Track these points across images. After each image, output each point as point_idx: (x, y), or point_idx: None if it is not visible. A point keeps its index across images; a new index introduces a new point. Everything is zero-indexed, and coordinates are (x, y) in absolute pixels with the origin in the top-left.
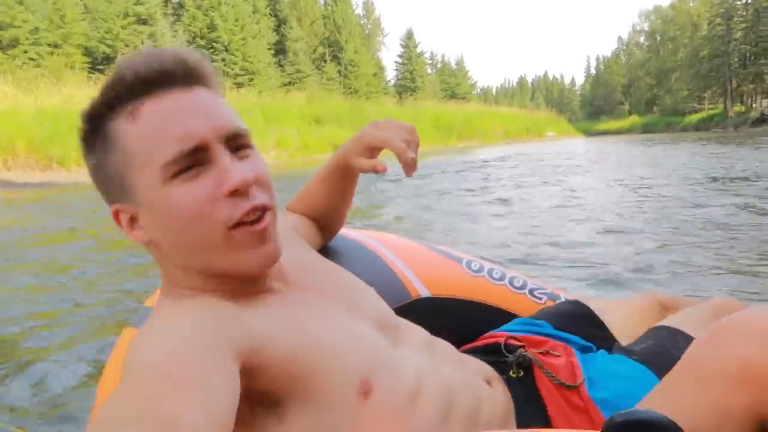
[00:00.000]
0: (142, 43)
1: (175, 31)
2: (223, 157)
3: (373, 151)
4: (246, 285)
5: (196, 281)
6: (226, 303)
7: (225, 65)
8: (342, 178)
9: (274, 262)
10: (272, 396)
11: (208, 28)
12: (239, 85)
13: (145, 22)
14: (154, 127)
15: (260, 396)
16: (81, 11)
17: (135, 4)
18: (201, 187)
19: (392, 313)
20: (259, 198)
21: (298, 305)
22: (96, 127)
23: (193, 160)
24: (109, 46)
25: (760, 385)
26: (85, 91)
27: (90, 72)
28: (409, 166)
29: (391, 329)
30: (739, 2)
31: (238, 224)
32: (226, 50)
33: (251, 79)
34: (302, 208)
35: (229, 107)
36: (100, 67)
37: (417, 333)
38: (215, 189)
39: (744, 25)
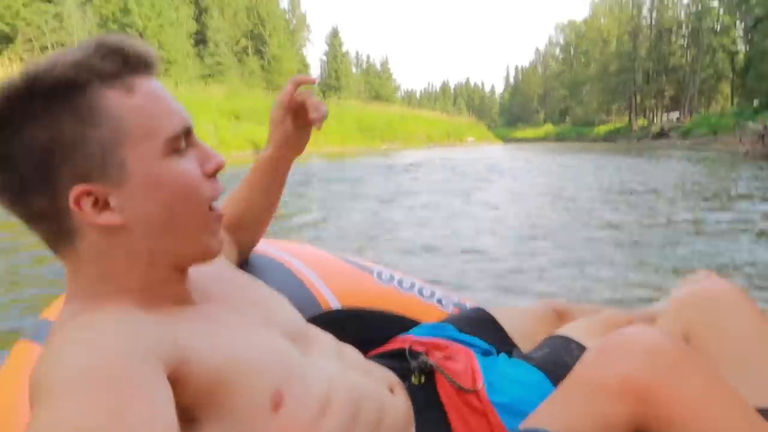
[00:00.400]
0: (47, 22)
1: (84, 12)
2: (201, 141)
3: (289, 105)
4: (177, 283)
5: (136, 273)
6: (149, 313)
7: None
8: (264, 175)
9: (219, 252)
10: (189, 412)
11: (121, 12)
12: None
13: (49, 1)
14: (153, 103)
15: (179, 412)
16: None
17: None
18: (192, 164)
19: (304, 322)
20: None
21: (214, 319)
22: (67, 98)
23: (185, 140)
24: (7, 23)
25: (638, 399)
26: None
27: None
28: (318, 108)
29: (302, 338)
30: (644, 22)
31: (211, 208)
32: (141, 37)
33: (167, 69)
34: None
35: None
36: (3, 47)
37: (327, 340)
38: (201, 168)
39: (648, 44)
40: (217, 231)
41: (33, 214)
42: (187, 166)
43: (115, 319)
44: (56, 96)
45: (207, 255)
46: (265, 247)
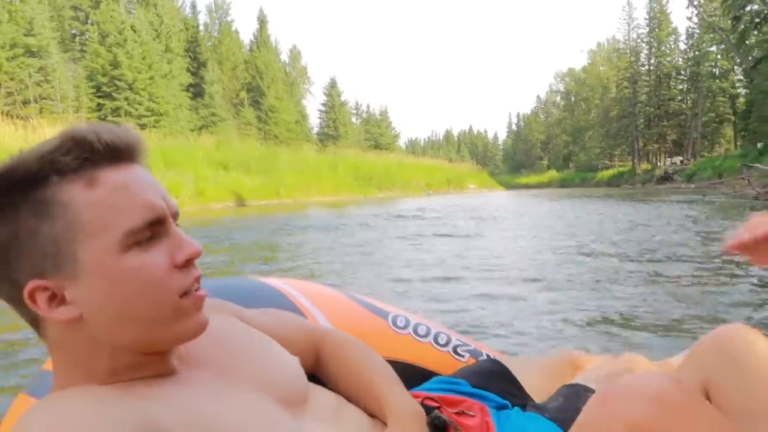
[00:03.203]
0: (30, 76)
1: (75, 65)
2: (176, 228)
3: None
4: (150, 364)
5: (105, 361)
6: (124, 391)
7: (128, 104)
8: (358, 401)
9: (203, 330)
10: None
11: (111, 65)
12: (142, 126)
13: (35, 55)
14: (115, 196)
15: None
16: None
17: (25, 34)
18: (157, 256)
19: (305, 383)
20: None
21: (196, 387)
22: (27, 193)
23: (151, 231)
24: None
25: None
26: None
27: None
28: None
29: (297, 402)
30: (643, 68)
31: (186, 292)
32: (130, 89)
33: (158, 121)
34: (329, 358)
35: None
36: None
37: (327, 403)
38: (170, 259)
39: (648, 89)
40: (193, 313)
41: (8, 300)
42: (150, 259)
43: (86, 400)
44: (17, 191)
45: (182, 339)
46: (279, 286)
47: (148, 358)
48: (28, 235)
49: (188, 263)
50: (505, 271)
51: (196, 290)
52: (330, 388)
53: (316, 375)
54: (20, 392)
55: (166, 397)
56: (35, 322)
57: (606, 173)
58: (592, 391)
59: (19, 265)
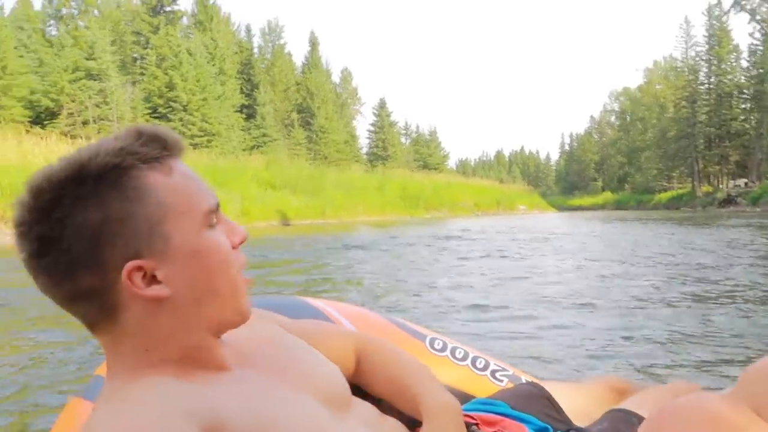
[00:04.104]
0: (90, 98)
1: (133, 86)
2: (226, 216)
3: None
4: (208, 353)
5: (174, 343)
6: (187, 380)
7: (182, 125)
8: (395, 403)
9: (250, 314)
10: None
11: (166, 87)
12: (195, 146)
13: (95, 78)
14: (189, 182)
15: None
16: (30, 63)
17: (87, 58)
18: (222, 237)
19: (347, 391)
20: None
21: (249, 384)
22: (115, 179)
23: (215, 215)
24: (53, 100)
25: None
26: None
27: (28, 126)
28: None
29: (342, 406)
30: (702, 87)
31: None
32: (184, 110)
33: (209, 141)
34: (365, 361)
35: None
36: (46, 121)
37: (369, 412)
38: (230, 240)
39: (708, 109)
40: (245, 294)
41: (78, 293)
42: (220, 238)
43: (154, 389)
44: (104, 179)
45: (242, 317)
46: (320, 306)
47: (212, 343)
48: (120, 219)
49: (239, 245)
50: (550, 296)
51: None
52: (369, 394)
53: (356, 384)
54: (73, 396)
55: (224, 390)
56: (109, 310)
57: (664, 195)
58: (639, 416)
59: (112, 249)
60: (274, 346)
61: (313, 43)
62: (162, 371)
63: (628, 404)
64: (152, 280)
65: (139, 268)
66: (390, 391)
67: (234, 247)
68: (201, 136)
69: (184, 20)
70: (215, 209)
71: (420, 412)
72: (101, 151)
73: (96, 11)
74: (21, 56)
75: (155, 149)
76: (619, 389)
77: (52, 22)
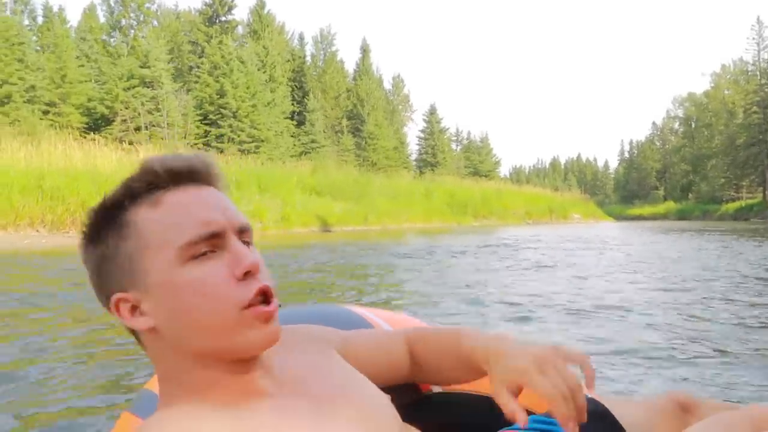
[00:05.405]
0: (143, 105)
1: (186, 95)
2: (236, 242)
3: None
4: (238, 380)
5: (191, 371)
6: (216, 409)
7: (231, 131)
8: (463, 373)
9: (275, 342)
10: None
11: (217, 94)
12: (244, 152)
13: (149, 85)
14: (175, 213)
15: None
16: (90, 72)
17: (141, 66)
18: (216, 268)
19: (398, 422)
20: (264, 281)
21: (292, 413)
22: (112, 217)
23: (210, 244)
24: (108, 107)
25: None
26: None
27: (84, 132)
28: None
29: None
30: None
31: (250, 305)
32: (234, 116)
33: (258, 147)
34: (416, 345)
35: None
36: (102, 128)
37: None
38: (229, 271)
39: None
40: (259, 326)
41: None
42: (209, 271)
43: (178, 420)
44: (106, 216)
45: (248, 351)
46: (369, 316)
47: (235, 373)
48: (111, 255)
49: (248, 275)
50: (603, 309)
51: (262, 302)
52: (430, 382)
53: (415, 380)
54: (124, 411)
55: (264, 419)
56: (133, 333)
57: (731, 206)
58: None
59: (107, 281)
60: (328, 376)
61: (365, 50)
62: (190, 399)
63: (700, 427)
64: (141, 312)
65: (126, 300)
66: (444, 360)
67: (238, 278)
68: (249, 142)
69: (239, 29)
70: (201, 240)
71: (478, 363)
72: (114, 189)
73: (155, 21)
74: (82, 65)
75: (144, 183)
76: (683, 405)
77: (114, 33)
